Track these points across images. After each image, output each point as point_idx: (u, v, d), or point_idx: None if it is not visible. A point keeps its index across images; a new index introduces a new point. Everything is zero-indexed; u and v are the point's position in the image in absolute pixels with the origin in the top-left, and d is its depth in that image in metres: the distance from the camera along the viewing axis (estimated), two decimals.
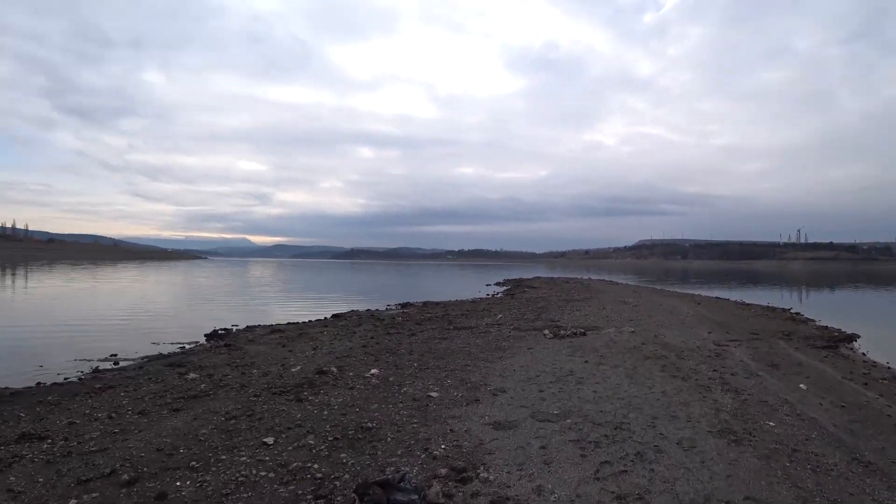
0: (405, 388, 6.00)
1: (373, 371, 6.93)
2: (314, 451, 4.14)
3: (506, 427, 4.68)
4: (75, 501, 3.40)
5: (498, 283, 40.09)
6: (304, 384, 6.37)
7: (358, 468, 3.81)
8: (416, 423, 4.78)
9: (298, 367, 7.52)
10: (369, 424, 4.70)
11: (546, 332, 10.31)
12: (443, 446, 4.19)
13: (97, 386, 6.90)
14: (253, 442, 4.37)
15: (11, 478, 3.85)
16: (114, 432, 4.83)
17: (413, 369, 7.07)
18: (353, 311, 17.50)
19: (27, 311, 18.43)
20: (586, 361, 7.55)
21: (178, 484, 3.62)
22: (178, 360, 8.73)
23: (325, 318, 15.52)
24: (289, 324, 13.87)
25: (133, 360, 9.32)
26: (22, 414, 5.64)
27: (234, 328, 13.12)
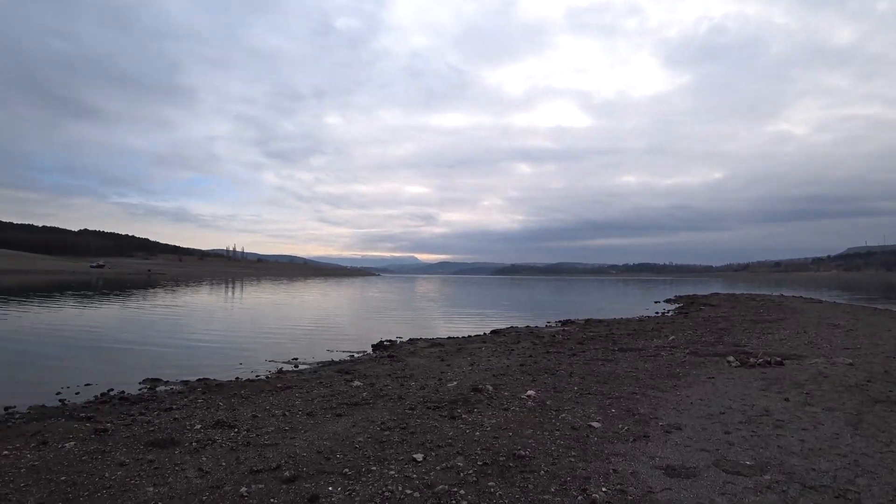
0: (563, 415, 5.48)
1: (529, 392, 6.54)
2: (462, 474, 3.91)
3: (682, 474, 3.89)
4: (245, 489, 3.67)
5: (668, 300, 36.35)
6: (459, 401, 6.26)
7: (506, 501, 3.48)
8: (573, 456, 4.26)
9: (455, 383, 7.48)
10: (522, 452, 4.32)
11: (730, 358, 8.77)
12: (604, 489, 3.62)
13: (279, 385, 7.73)
14: (403, 456, 4.32)
15: (203, 458, 4.40)
16: (285, 429, 5.24)
17: (573, 393, 6.49)
18: (511, 327, 17.30)
19: (238, 318, 22.06)
20: (787, 399, 6.11)
21: (329, 489, 3.70)
22: (346, 368, 9.42)
23: (484, 333, 15.57)
24: (448, 338, 14.19)
25: (310, 364, 10.34)
26: (221, 403, 6.54)
27: (398, 340, 13.85)
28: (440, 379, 7.90)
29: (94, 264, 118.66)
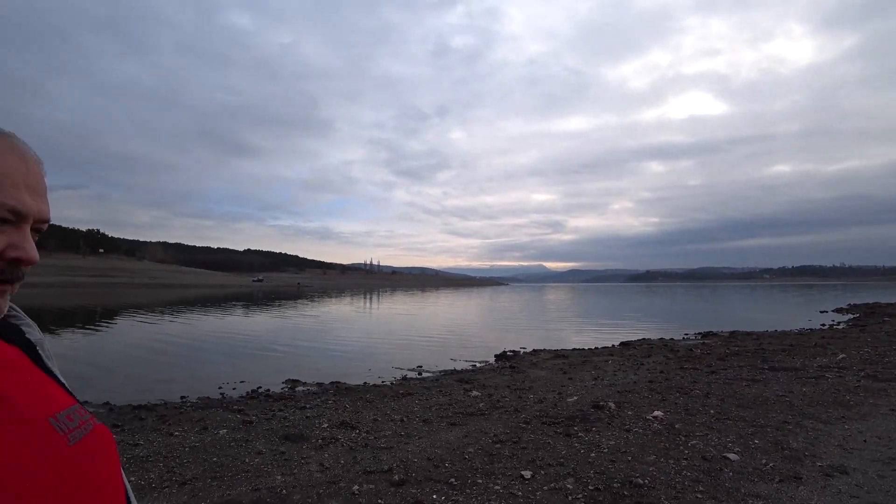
0: (694, 441, 4.90)
1: (656, 413, 5.98)
2: (570, 497, 3.68)
3: None
4: (357, 487, 3.90)
5: (839, 310, 30.81)
6: (577, 417, 5.95)
7: None
8: (700, 491, 3.76)
9: (575, 398, 7.13)
10: (640, 480, 3.94)
11: None
12: None
13: (401, 391, 8.07)
14: (511, 472, 4.20)
15: (326, 454, 4.79)
16: (401, 434, 5.45)
17: (708, 417, 5.78)
18: (643, 339, 16.08)
19: (372, 327, 23.60)
20: None
21: (434, 496, 3.74)
22: (466, 377, 9.51)
23: (613, 345, 14.69)
24: (574, 350, 13.63)
25: (433, 372, 10.64)
26: (347, 405, 7.04)
27: (522, 350, 13.66)
28: (560, 393, 7.60)
29: (255, 279, 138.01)
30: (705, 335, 16.90)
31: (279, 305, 39.46)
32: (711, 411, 5.99)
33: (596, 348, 13.84)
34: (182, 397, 8.31)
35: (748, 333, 16.53)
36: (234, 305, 37.13)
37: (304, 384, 9.39)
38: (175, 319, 25.60)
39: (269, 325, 23.20)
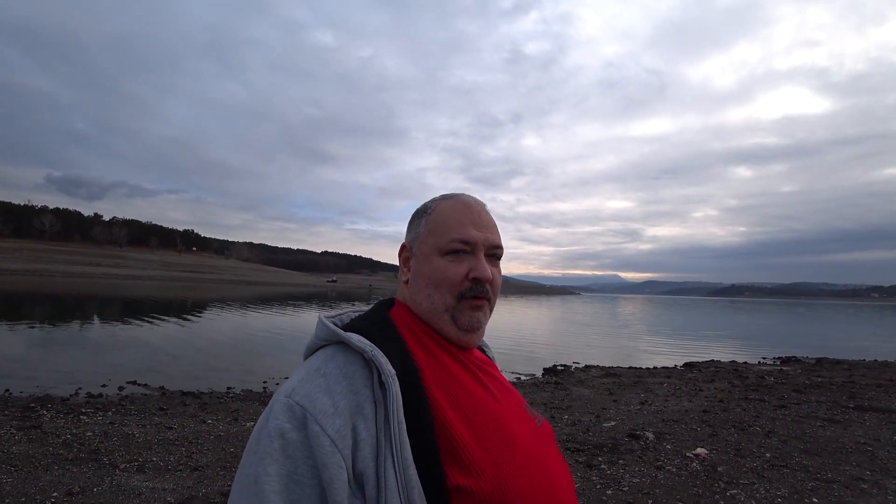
0: (734, 491, 4.13)
1: (699, 450, 5.21)
2: None
3: None
4: None
5: None
6: (606, 446, 5.33)
7: None
8: None
9: (612, 423, 6.46)
10: None
11: None
12: None
13: None
14: None
15: None
16: None
17: (761, 462, 4.92)
18: (712, 360, 14.62)
19: None
20: None
21: None
22: None
23: (675, 366, 13.47)
24: (629, 368, 12.64)
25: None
26: None
27: (573, 366, 12.87)
28: (598, 416, 6.93)
29: (329, 279, 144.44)
30: (785, 360, 15.04)
31: (347, 305, 40.70)
32: (767, 455, 5.11)
33: (654, 368, 12.73)
34: (228, 388, 8.57)
35: (838, 361, 14.47)
36: (307, 304, 38.74)
37: None
38: (250, 314, 27.11)
39: None
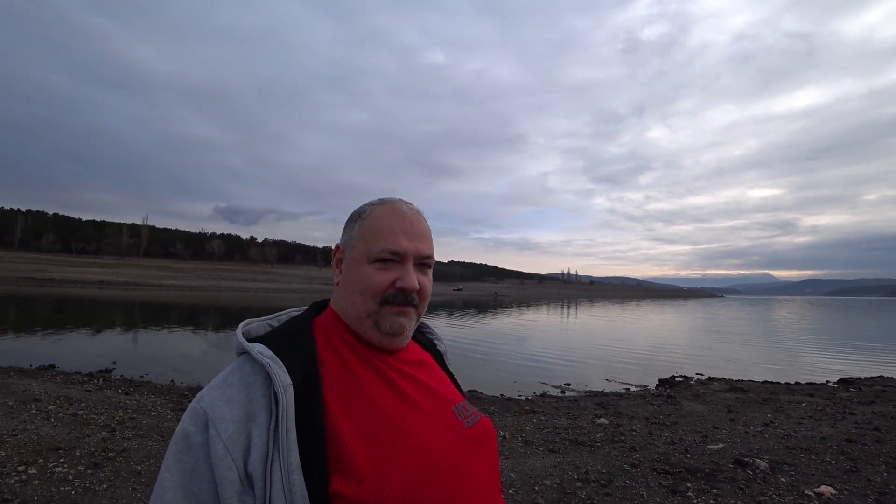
0: None
1: (824, 488, 4.29)
2: None
3: None
4: None
5: None
6: (702, 471, 4.66)
7: None
8: None
9: (720, 446, 5.63)
10: None
11: None
12: None
13: (526, 408, 7.52)
14: None
15: None
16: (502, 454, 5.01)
17: None
18: (879, 377, 12.00)
19: (547, 338, 22.71)
20: None
21: None
22: (607, 402, 8.38)
23: (827, 382, 11.31)
24: (763, 382, 10.92)
25: (577, 392, 9.68)
26: None
27: (696, 378, 11.53)
28: (705, 436, 6.10)
29: (455, 288, 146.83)
30: None
31: (470, 313, 41.35)
32: None
33: (795, 384, 10.81)
34: None
35: None
36: (433, 313, 40.14)
37: None
38: None
39: (449, 332, 24.38)
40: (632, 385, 10.62)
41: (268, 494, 0.68)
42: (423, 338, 1.08)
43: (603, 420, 6.85)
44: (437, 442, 0.80)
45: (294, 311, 0.95)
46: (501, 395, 8.97)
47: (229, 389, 0.76)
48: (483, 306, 54.30)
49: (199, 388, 8.31)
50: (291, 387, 0.74)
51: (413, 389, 0.86)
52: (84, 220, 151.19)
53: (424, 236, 0.90)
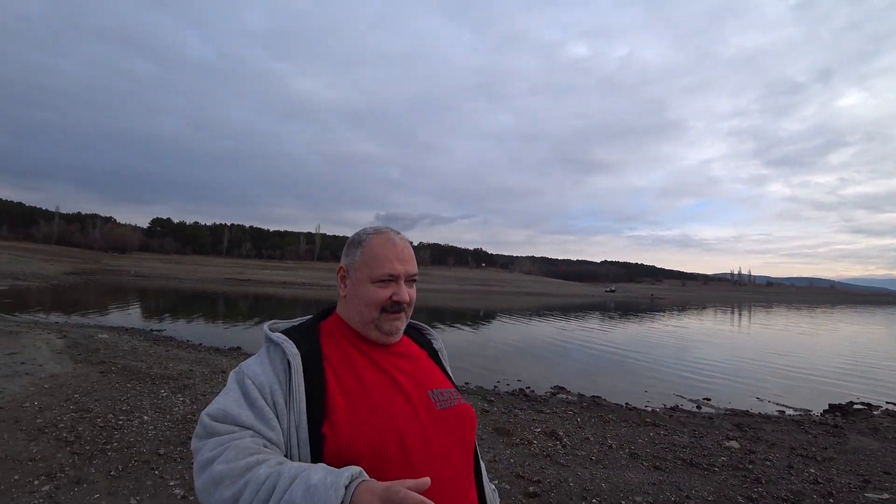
0: None
1: None
2: None
3: None
4: (495, 484, 3.91)
5: None
6: None
7: None
8: None
9: (884, 497, 4.61)
10: None
11: None
12: None
13: (647, 420, 7.08)
14: None
15: (513, 451, 4.72)
16: (593, 458, 4.95)
17: None
18: None
19: (703, 347, 20.09)
20: None
21: None
22: (748, 424, 7.37)
23: None
24: None
25: (715, 409, 8.64)
26: (580, 419, 6.68)
27: (885, 407, 9.31)
28: (867, 481, 5.04)
29: (608, 289, 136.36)
30: None
31: (619, 315, 38.76)
32: None
33: None
34: (465, 383, 9.69)
35: None
36: (582, 314, 38.45)
37: (567, 392, 9.35)
38: (519, 323, 29.02)
39: (583, 335, 23.29)
40: (788, 408, 9.06)
41: (287, 427, 0.96)
42: (422, 338, 1.30)
43: (733, 443, 6.09)
44: (407, 413, 1.02)
45: (307, 317, 1.23)
46: (626, 403, 8.49)
47: (259, 358, 1.06)
48: (636, 309, 50.32)
49: None
50: (299, 356, 1.02)
51: (395, 371, 1.09)
52: (271, 230, 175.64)
53: (411, 259, 1.16)
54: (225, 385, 1.03)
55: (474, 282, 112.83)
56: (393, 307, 1.11)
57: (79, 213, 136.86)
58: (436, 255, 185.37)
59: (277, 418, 0.96)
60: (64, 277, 40.94)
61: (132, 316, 19.69)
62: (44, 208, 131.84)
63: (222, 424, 0.94)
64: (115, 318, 18.39)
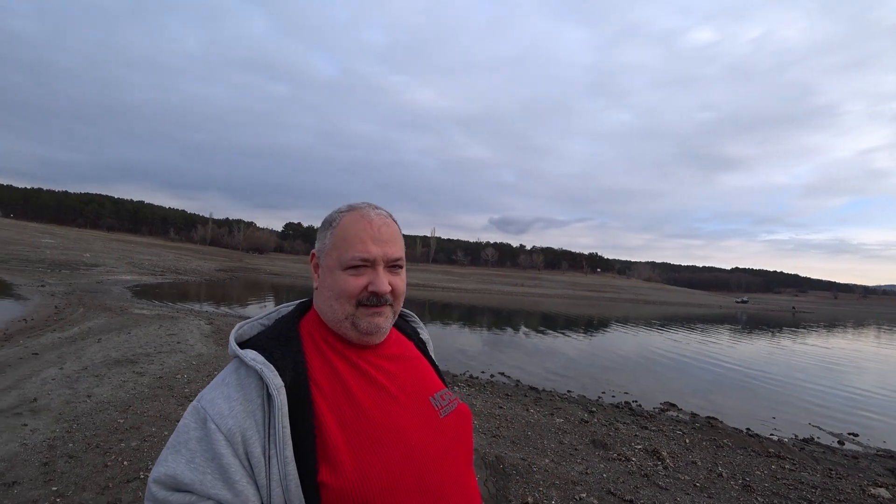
0: None
1: None
2: None
3: None
4: (585, 497, 3.94)
5: None
6: None
7: None
8: None
9: None
10: None
11: None
12: None
13: (771, 451, 6.34)
14: None
15: (623, 467, 4.58)
16: (696, 484, 4.63)
17: None
18: None
19: (842, 371, 16.96)
20: None
21: None
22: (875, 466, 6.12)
23: None
24: None
25: (863, 447, 7.41)
26: (689, 440, 6.31)
27: None
28: None
29: (738, 299, 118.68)
30: None
31: (753, 330, 34.18)
32: None
33: None
34: (568, 391, 9.45)
35: None
36: (708, 326, 34.63)
37: (679, 410, 8.66)
38: (633, 332, 27.18)
39: (709, 349, 20.94)
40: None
41: (267, 482, 0.75)
42: (408, 326, 1.11)
43: (882, 491, 5.18)
44: (414, 433, 0.85)
45: (284, 309, 0.98)
46: (747, 429, 7.62)
47: (227, 388, 0.80)
48: (772, 323, 43.59)
49: (470, 378, 9.65)
50: (284, 388, 0.78)
51: (393, 384, 0.89)
52: None
53: (392, 240, 0.92)
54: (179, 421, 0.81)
55: (588, 287, 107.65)
56: (371, 300, 0.88)
57: (227, 219, 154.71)
58: (549, 260, 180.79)
59: (253, 474, 0.76)
60: (214, 274, 46.70)
61: (266, 308, 22.19)
62: (201, 214, 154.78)
63: (173, 494, 0.75)
64: (252, 310, 20.83)
